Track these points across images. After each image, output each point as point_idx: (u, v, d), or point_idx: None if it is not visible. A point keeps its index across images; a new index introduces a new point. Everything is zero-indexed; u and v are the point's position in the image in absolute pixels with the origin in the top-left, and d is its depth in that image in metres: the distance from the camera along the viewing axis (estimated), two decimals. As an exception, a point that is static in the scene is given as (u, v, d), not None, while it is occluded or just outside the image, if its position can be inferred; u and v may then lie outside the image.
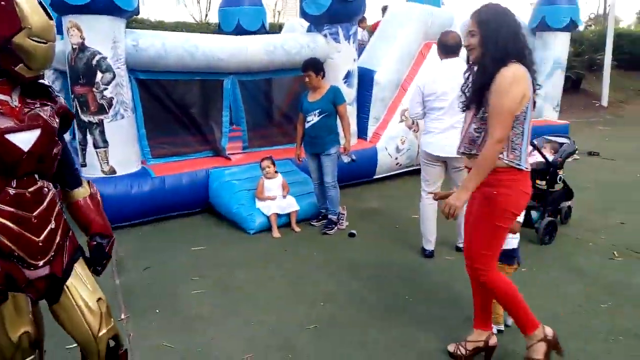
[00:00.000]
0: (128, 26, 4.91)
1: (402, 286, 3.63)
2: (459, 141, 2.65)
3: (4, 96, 1.70)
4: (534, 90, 2.42)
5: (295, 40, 5.90)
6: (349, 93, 6.24)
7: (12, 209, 1.71)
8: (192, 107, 5.63)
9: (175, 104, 5.50)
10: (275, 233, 4.71)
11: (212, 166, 5.39)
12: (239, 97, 5.83)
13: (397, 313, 3.25)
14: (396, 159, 6.65)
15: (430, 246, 4.18)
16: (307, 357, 2.78)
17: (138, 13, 5.08)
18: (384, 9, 8.20)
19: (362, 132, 6.61)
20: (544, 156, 4.51)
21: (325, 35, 6.04)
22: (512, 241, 2.87)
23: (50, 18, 1.72)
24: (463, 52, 2.99)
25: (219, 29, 7.99)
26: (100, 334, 1.99)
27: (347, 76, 6.17)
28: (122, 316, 3.18)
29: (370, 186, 6.43)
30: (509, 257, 2.87)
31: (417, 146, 6.69)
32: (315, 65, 4.69)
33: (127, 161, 5.01)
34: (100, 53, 4.65)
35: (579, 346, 2.84)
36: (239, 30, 7.31)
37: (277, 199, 4.87)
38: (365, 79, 6.44)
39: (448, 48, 3.87)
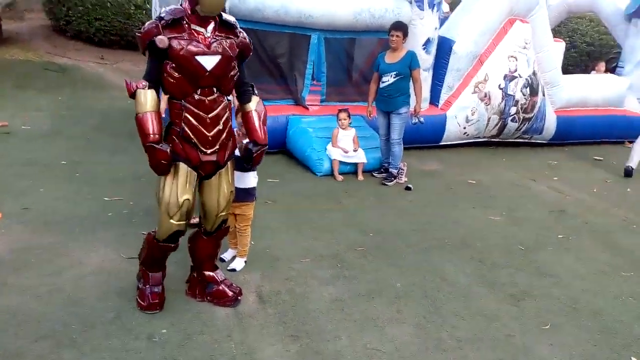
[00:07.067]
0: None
1: (444, 232, 4.11)
2: None
3: (201, 28, 2.37)
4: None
5: (381, 5, 6.27)
6: (427, 60, 6.56)
7: (194, 109, 2.40)
8: (281, 58, 6.22)
9: (267, 54, 6.11)
10: (337, 177, 5.27)
11: (292, 113, 6.02)
12: (323, 53, 6.34)
13: (434, 250, 3.76)
14: (464, 128, 6.90)
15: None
16: (352, 267, 3.39)
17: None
18: None
19: (434, 99, 6.90)
20: None
21: (410, 2, 6.35)
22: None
23: None
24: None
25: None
26: (221, 214, 2.70)
27: (427, 43, 6.47)
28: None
29: (435, 151, 6.77)
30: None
31: (487, 119, 6.91)
32: (405, 28, 5.14)
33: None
34: (209, 2, 5.31)
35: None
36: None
37: (348, 151, 5.38)
38: (444, 48, 6.69)
39: None
